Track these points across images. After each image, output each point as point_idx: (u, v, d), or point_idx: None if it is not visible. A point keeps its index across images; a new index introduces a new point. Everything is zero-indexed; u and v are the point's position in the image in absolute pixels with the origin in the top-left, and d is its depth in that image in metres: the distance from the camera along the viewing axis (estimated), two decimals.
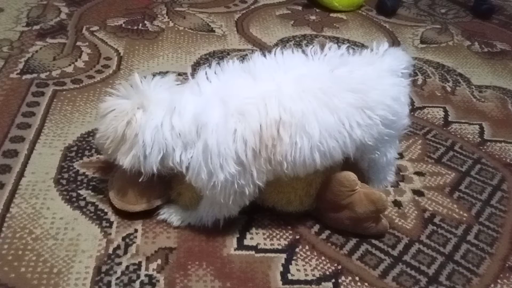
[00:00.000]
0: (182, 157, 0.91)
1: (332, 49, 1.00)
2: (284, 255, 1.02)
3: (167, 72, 1.09)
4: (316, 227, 1.08)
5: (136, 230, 1.02)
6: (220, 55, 1.66)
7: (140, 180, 0.95)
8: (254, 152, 0.87)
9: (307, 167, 0.93)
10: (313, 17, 2.05)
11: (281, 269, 0.99)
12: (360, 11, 2.16)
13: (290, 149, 0.89)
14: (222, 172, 0.87)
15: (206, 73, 0.95)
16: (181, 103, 0.91)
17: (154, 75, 1.00)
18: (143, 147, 0.91)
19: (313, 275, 0.98)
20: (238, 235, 1.04)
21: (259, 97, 0.88)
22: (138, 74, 0.96)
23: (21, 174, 1.10)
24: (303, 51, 0.99)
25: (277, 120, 0.87)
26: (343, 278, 0.99)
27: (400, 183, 1.24)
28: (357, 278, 0.99)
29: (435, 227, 1.13)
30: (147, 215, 1.04)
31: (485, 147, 1.42)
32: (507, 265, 1.06)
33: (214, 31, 1.81)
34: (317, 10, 2.11)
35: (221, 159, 0.86)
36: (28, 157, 1.15)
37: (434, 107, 1.57)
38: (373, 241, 1.07)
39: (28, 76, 1.41)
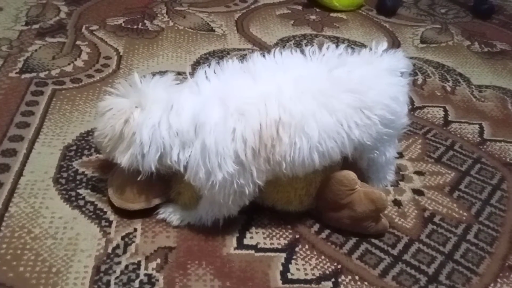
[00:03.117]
0: (180, 156, 0.91)
1: (330, 49, 1.00)
2: (284, 255, 1.01)
3: (166, 71, 1.09)
4: (316, 227, 1.08)
5: (135, 230, 1.02)
6: (220, 55, 1.66)
7: (138, 179, 0.95)
8: (254, 151, 0.87)
9: (306, 167, 0.93)
10: (313, 17, 2.05)
11: (280, 268, 0.98)
12: (360, 11, 2.16)
13: (289, 149, 0.89)
14: (220, 171, 0.87)
15: (205, 73, 0.95)
16: (179, 102, 0.91)
17: (153, 74, 1.00)
18: (140, 146, 0.91)
19: (313, 275, 0.98)
20: (237, 235, 1.04)
21: (259, 98, 0.88)
22: (137, 74, 0.96)
23: (20, 173, 1.10)
24: (302, 51, 0.99)
25: (276, 120, 0.87)
26: (343, 277, 0.98)
27: (400, 182, 1.24)
28: (357, 277, 0.99)
29: (435, 226, 1.13)
30: (147, 214, 1.04)
31: (485, 146, 1.42)
32: (506, 264, 1.06)
33: (214, 31, 1.81)
34: (317, 10, 2.11)
35: (219, 158, 0.86)
36: (27, 156, 1.15)
37: (434, 106, 1.57)
38: (373, 240, 1.07)
39: (27, 75, 1.41)
